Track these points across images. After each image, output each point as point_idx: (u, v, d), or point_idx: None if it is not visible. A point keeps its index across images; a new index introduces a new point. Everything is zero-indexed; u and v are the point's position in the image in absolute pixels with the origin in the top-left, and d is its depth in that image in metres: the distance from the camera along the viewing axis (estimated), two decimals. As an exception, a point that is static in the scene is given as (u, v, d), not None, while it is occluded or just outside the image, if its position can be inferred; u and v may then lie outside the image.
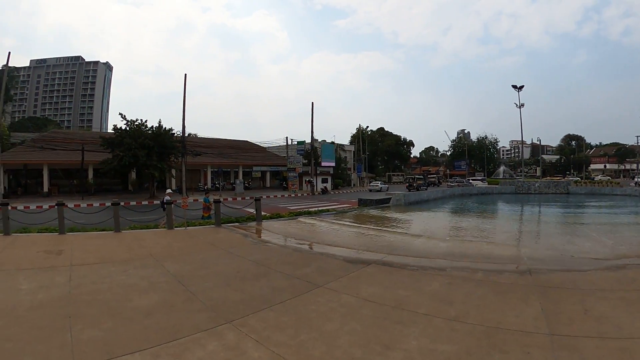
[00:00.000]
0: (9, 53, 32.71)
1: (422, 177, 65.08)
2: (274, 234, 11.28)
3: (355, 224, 14.04)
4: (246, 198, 31.97)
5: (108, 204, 12.36)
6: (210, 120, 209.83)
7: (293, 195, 40.40)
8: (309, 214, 16.47)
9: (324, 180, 50.91)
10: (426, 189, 41.46)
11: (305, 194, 42.07)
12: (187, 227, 12.31)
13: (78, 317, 4.70)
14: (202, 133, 66.34)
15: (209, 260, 7.79)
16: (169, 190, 14.91)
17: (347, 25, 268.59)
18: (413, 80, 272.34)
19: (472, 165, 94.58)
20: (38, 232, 10.86)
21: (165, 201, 13.14)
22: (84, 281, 6.20)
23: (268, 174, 51.99)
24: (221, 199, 13.57)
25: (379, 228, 12.92)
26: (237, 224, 13.13)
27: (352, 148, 73.93)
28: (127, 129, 32.25)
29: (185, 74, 35.04)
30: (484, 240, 10.73)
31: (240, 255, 8.14)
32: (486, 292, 5.48)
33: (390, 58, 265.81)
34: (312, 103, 45.20)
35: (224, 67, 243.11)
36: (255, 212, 14.05)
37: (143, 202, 28.50)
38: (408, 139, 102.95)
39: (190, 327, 4.36)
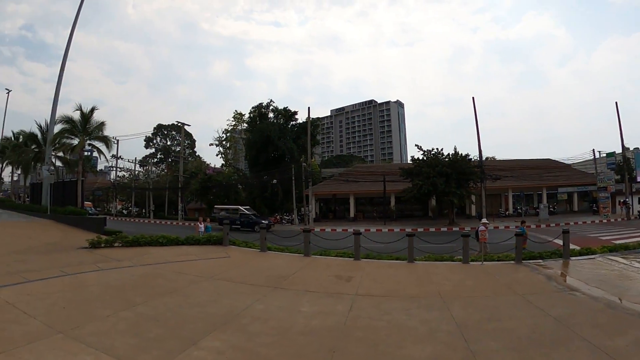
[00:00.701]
0: (309, 108, 45.75)
1: None
2: (581, 279, 9.28)
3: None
4: (551, 225, 29.52)
5: (408, 229, 13.01)
6: (506, 141, 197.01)
7: (605, 220, 33.51)
8: (626, 248, 13.50)
9: (643, 200, 40.10)
10: None
11: (619, 219, 34.36)
12: (484, 262, 11.69)
13: (342, 354, 4.71)
14: (500, 155, 63.63)
15: (502, 309, 6.92)
16: (484, 220, 14.42)
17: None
18: None
19: None
20: (335, 256, 12.49)
21: (478, 230, 12.98)
22: (362, 314, 6.40)
23: (575, 196, 45.37)
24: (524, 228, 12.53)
25: None
26: (540, 260, 11.90)
27: (677, 153, 52.97)
28: (425, 158, 34.91)
29: (473, 97, 36.30)
30: None
31: (539, 307, 6.97)
32: None
33: None
34: (616, 103, 36.84)
35: (510, 82, 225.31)
36: (562, 245, 12.46)
37: (442, 229, 29.70)
38: None
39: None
